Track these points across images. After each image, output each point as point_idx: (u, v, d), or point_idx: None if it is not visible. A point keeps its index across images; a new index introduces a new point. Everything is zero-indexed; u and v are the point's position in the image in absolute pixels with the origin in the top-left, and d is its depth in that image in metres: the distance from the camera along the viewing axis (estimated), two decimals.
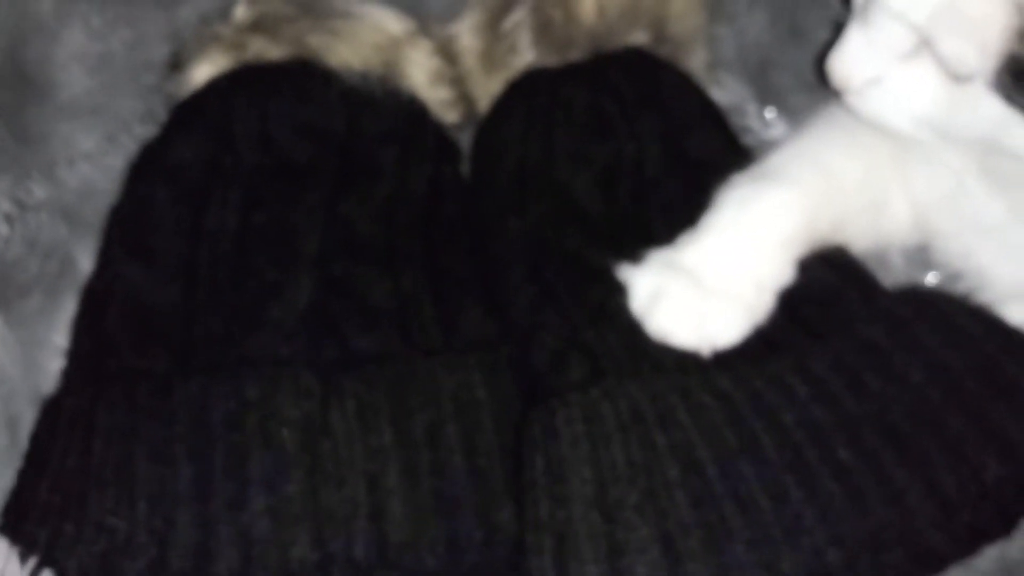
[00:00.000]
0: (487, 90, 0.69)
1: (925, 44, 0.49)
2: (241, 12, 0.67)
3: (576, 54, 0.68)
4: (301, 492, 0.51)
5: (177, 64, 0.67)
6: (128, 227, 0.62)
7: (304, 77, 0.65)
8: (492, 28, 0.69)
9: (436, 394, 0.55)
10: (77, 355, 0.59)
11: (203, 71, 0.66)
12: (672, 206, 0.63)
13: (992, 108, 0.48)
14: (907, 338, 0.53)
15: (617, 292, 0.59)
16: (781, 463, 0.50)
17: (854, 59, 0.52)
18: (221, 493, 0.51)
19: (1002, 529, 0.52)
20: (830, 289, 0.58)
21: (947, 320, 0.54)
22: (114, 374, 0.56)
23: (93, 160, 0.71)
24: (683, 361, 0.57)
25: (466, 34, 0.70)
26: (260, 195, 0.61)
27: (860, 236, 0.58)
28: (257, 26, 0.66)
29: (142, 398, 0.54)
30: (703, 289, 0.57)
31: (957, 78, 0.48)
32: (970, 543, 0.51)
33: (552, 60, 0.68)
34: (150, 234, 0.60)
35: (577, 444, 0.52)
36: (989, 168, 0.54)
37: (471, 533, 0.52)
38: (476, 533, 0.52)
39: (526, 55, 0.68)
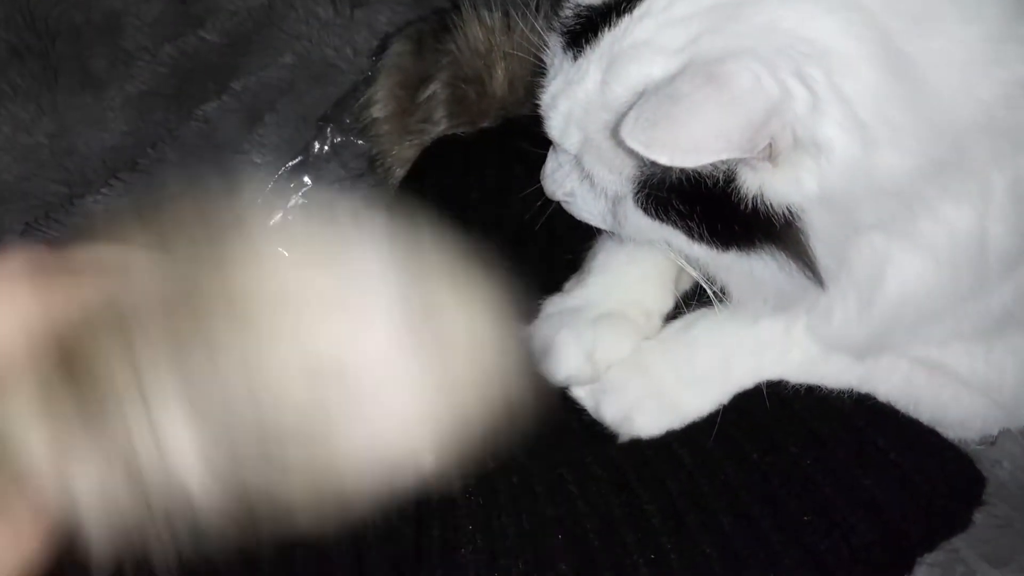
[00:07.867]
0: (400, 155, 0.72)
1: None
2: None
3: (487, 122, 0.70)
4: None
5: None
6: None
7: None
8: (406, 91, 0.71)
9: None
10: None
11: None
12: (579, 261, 0.65)
13: (641, 219, 0.52)
14: (785, 412, 0.55)
15: None
16: (663, 529, 0.52)
17: (550, 177, 0.58)
18: None
19: None
20: None
21: (821, 396, 0.55)
22: None
23: None
24: (590, 423, 0.58)
25: (380, 100, 0.72)
26: None
27: None
28: None
29: None
30: (592, 319, 0.60)
31: (612, 195, 0.54)
32: None
33: (464, 129, 0.70)
34: None
35: (473, 515, 0.53)
36: None
37: None
38: None
39: (440, 125, 0.70)
